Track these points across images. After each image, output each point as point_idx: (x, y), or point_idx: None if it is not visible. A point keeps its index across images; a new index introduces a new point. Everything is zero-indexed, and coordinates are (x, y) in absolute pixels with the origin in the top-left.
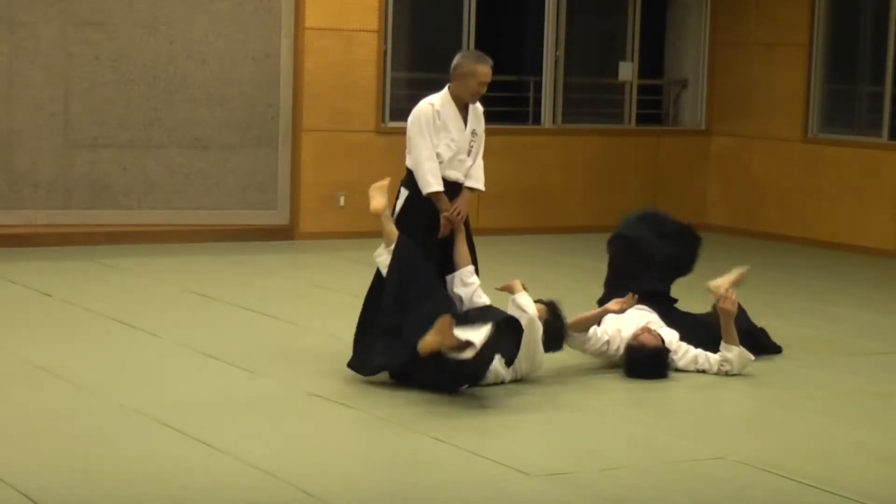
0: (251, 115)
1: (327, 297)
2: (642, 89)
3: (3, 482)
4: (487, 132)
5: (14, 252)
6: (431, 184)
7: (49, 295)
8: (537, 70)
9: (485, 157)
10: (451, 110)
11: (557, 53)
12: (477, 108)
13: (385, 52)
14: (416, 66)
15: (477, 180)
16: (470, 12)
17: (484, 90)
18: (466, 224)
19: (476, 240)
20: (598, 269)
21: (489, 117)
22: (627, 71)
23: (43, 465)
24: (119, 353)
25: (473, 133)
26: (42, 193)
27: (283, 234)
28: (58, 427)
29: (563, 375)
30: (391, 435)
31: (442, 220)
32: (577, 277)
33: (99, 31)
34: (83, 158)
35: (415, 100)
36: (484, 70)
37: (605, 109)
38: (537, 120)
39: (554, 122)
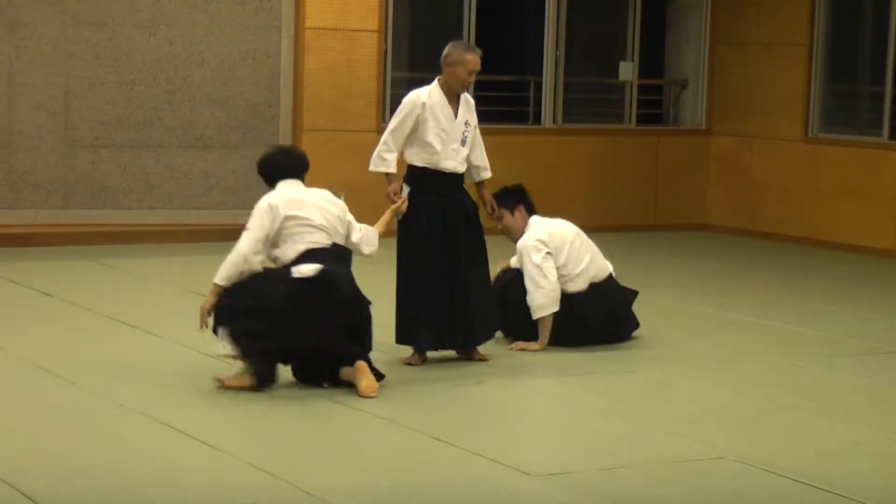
0: (251, 115)
1: None
2: (642, 89)
3: (2, 482)
4: (488, 132)
5: (14, 252)
6: (377, 164)
7: (49, 295)
8: (537, 70)
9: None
10: (441, 100)
11: (557, 53)
12: (469, 100)
13: (385, 52)
14: (416, 66)
15: (486, 169)
16: (470, 12)
17: (472, 79)
18: (479, 222)
19: None
20: None
21: (489, 117)
22: (627, 71)
23: (43, 465)
24: (119, 353)
25: (466, 123)
26: (42, 193)
27: None
28: (57, 427)
29: (563, 375)
30: (391, 435)
31: (389, 195)
32: None
33: (99, 31)
34: (83, 158)
35: None
36: (473, 58)
37: (605, 109)
38: (537, 120)
39: (554, 122)
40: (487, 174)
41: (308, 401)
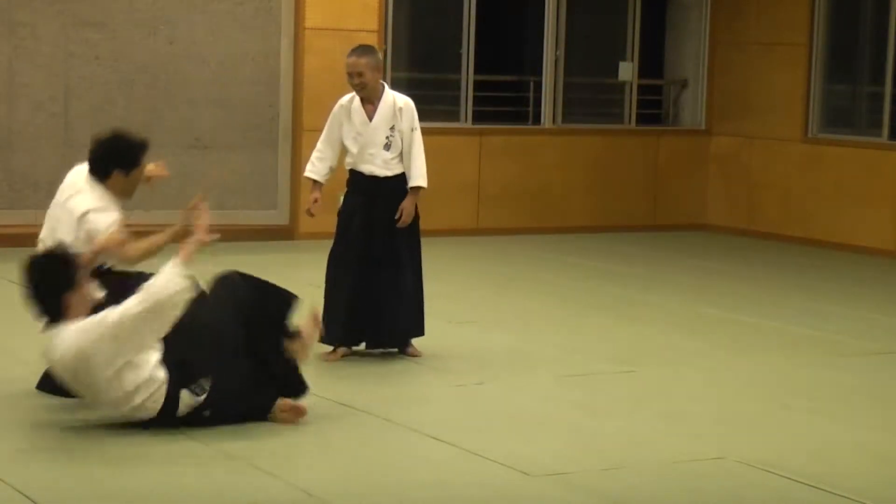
0: (251, 115)
1: None
2: (642, 89)
3: (3, 482)
4: (488, 132)
5: (14, 252)
6: (308, 169)
7: None
8: (537, 70)
9: (485, 156)
10: (357, 105)
11: (557, 53)
12: (396, 104)
13: (385, 52)
14: (416, 66)
15: (417, 178)
16: (470, 12)
17: (356, 81)
18: (415, 224)
19: (476, 240)
20: (598, 269)
21: (489, 117)
22: (627, 71)
23: (43, 465)
24: None
25: (392, 129)
26: (42, 193)
27: (283, 234)
28: (57, 427)
29: (563, 375)
30: (391, 435)
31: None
32: (578, 277)
33: (99, 31)
34: (83, 158)
35: (415, 100)
36: (348, 61)
37: (605, 109)
38: (537, 120)
39: (554, 122)
40: (414, 182)
41: (308, 401)
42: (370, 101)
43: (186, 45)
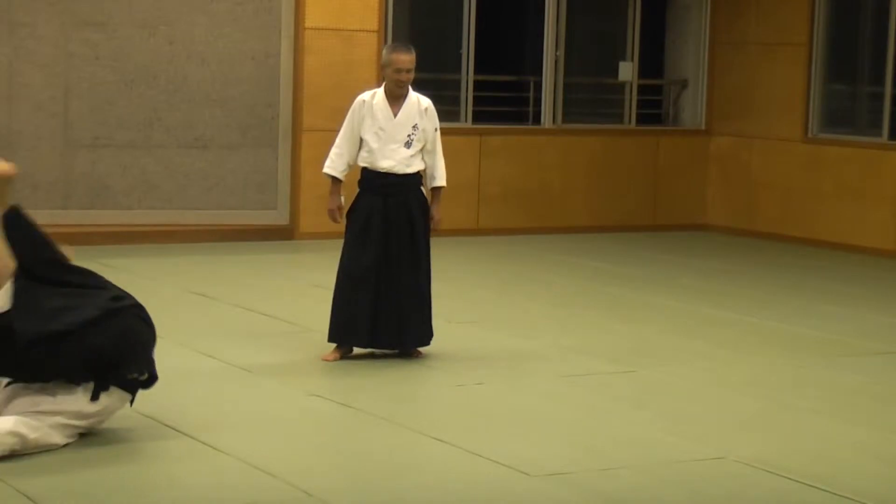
0: (251, 115)
1: (327, 297)
2: (642, 89)
3: (3, 482)
4: (488, 132)
5: None
6: (327, 165)
7: None
8: (537, 70)
9: (485, 156)
10: (381, 101)
11: (557, 53)
12: (421, 104)
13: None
14: (416, 65)
15: (441, 178)
16: (470, 12)
17: (405, 77)
18: (427, 224)
19: (476, 240)
20: (598, 269)
21: (489, 117)
22: (627, 71)
23: (43, 465)
24: None
25: (414, 127)
26: (42, 193)
27: (283, 234)
28: None
29: (563, 375)
30: (391, 435)
31: (329, 209)
32: (578, 277)
33: (99, 31)
34: (83, 158)
35: None
36: (400, 57)
37: (605, 109)
38: (537, 120)
39: (554, 122)
40: (437, 182)
41: (308, 401)
42: (395, 99)
43: (186, 45)
